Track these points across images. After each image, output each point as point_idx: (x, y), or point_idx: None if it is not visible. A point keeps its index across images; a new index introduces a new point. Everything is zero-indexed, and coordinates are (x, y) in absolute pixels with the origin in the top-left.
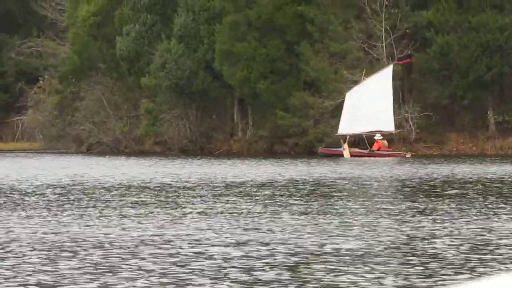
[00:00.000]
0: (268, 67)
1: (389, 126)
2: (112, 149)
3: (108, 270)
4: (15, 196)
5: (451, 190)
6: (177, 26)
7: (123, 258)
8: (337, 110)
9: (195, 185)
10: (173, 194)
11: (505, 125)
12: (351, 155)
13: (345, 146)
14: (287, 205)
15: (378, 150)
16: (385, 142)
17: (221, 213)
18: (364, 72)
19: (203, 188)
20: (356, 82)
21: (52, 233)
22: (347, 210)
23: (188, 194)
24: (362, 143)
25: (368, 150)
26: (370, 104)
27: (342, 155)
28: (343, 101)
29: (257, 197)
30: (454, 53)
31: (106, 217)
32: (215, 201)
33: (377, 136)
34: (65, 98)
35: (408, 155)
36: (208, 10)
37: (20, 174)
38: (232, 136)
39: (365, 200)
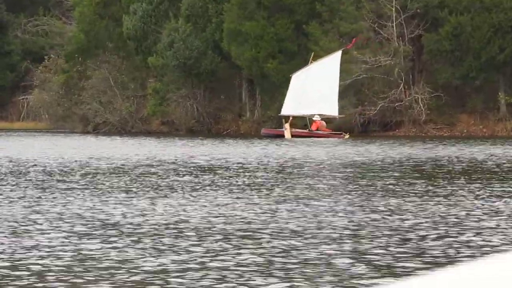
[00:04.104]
0: (276, 47)
1: (333, 110)
2: (119, 129)
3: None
4: (101, 177)
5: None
6: (185, 5)
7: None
8: (347, 91)
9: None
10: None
11: None
12: (292, 136)
13: (287, 126)
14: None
15: (316, 130)
16: (323, 123)
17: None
18: (312, 56)
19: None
20: (366, 63)
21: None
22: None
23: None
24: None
25: (307, 130)
26: (315, 87)
27: (283, 136)
28: (352, 82)
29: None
30: (467, 34)
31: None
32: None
33: (316, 117)
34: (71, 77)
35: (346, 136)
36: None
37: (87, 154)
38: (240, 116)
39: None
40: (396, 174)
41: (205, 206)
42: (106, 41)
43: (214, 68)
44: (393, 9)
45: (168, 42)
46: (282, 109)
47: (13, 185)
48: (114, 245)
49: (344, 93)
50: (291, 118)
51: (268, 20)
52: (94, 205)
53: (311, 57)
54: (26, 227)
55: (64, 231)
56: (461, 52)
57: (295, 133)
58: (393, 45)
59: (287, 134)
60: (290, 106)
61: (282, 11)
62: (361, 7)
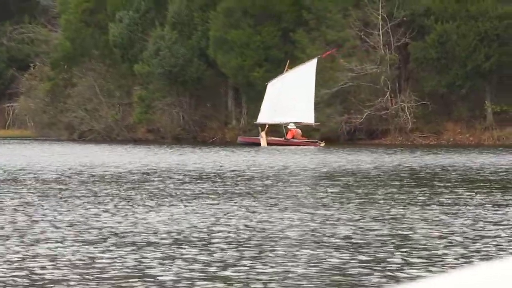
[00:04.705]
0: (262, 55)
1: (309, 118)
2: (104, 137)
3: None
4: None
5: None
6: (171, 12)
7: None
8: (333, 98)
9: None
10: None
11: (503, 115)
12: (268, 144)
13: (263, 134)
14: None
15: (292, 138)
16: (299, 131)
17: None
18: (287, 64)
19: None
20: (352, 71)
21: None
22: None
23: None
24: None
25: (283, 138)
26: (290, 95)
27: (259, 144)
28: (339, 90)
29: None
30: (453, 42)
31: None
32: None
33: (291, 125)
34: (57, 85)
35: (322, 145)
36: None
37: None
38: (226, 124)
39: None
40: (397, 183)
41: (205, 214)
42: (92, 48)
43: (200, 76)
44: (380, 17)
45: (154, 50)
46: (258, 117)
47: (12, 193)
48: (118, 253)
49: (330, 101)
50: (267, 126)
51: (254, 28)
52: (98, 213)
53: (287, 65)
54: (28, 236)
55: (64, 240)
56: (447, 60)
57: (271, 141)
58: (379, 53)
59: (263, 142)
60: (266, 114)
61: (268, 19)
62: (348, 15)
